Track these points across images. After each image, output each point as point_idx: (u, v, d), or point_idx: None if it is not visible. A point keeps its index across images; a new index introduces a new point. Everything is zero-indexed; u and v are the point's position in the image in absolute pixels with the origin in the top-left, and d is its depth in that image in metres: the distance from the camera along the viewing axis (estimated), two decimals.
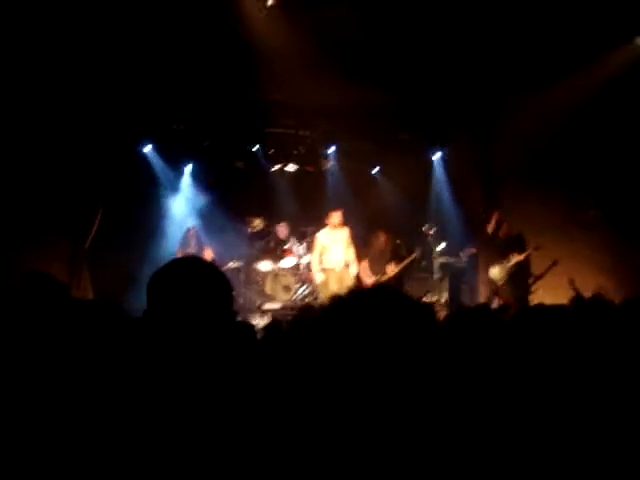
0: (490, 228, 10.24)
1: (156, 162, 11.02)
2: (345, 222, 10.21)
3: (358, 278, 10.11)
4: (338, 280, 9.95)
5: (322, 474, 1.35)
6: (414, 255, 10.23)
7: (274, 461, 1.43)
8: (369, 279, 10.05)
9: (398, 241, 10.77)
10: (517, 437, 1.77)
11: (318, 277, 10.18)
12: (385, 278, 10.03)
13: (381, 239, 10.14)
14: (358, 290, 1.57)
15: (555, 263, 9.89)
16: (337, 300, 1.50)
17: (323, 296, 9.99)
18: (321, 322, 1.54)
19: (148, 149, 10.98)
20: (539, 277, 10.17)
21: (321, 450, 1.34)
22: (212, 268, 1.81)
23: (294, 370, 2.14)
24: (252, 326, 5.43)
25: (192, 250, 10.01)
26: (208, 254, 10.09)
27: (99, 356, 2.17)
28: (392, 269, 10.09)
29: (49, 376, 2.05)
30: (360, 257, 10.24)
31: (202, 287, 1.74)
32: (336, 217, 10.09)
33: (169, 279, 1.75)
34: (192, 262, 1.87)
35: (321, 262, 10.14)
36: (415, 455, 1.34)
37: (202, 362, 1.68)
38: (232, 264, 10.90)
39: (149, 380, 1.66)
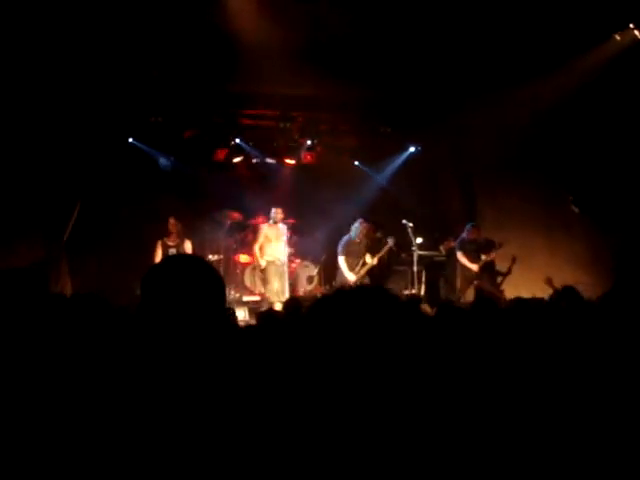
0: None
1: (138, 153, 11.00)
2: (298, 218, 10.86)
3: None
4: (277, 272, 10.31)
5: (313, 468, 1.37)
6: (388, 245, 10.31)
7: (267, 457, 1.45)
8: (350, 273, 10.10)
9: (378, 233, 10.83)
10: (507, 432, 1.80)
11: (263, 262, 10.51)
12: (364, 270, 10.09)
13: (361, 230, 10.19)
14: (342, 289, 1.58)
15: (514, 260, 10.16)
16: (322, 298, 1.52)
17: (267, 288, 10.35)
18: (309, 319, 1.55)
19: (129, 141, 10.92)
20: (506, 274, 10.38)
21: (314, 446, 1.36)
22: (205, 265, 1.83)
23: (287, 363, 2.16)
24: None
25: (172, 242, 9.97)
26: (187, 246, 10.07)
27: (87, 351, 2.17)
28: (370, 260, 10.17)
29: (36, 373, 2.05)
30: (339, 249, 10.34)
31: (196, 283, 1.75)
32: (278, 213, 10.51)
33: (164, 276, 1.76)
34: (186, 259, 1.90)
35: (263, 253, 10.45)
36: (407, 450, 1.36)
37: (195, 356, 1.69)
38: (211, 257, 10.90)
39: (142, 375, 1.67)
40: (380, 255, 10.26)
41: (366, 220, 10.38)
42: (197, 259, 1.91)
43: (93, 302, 2.54)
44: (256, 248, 10.51)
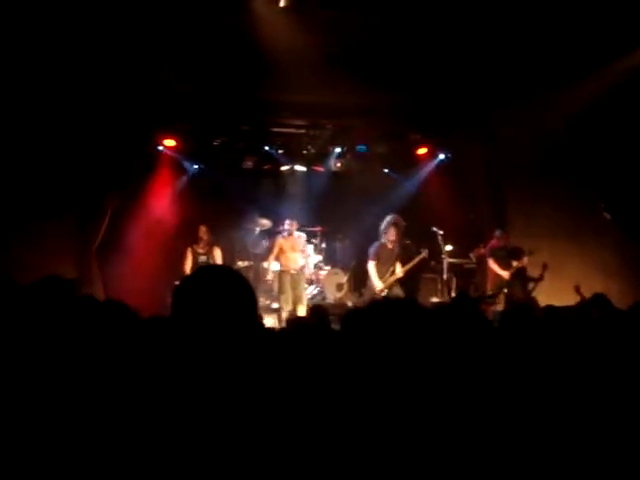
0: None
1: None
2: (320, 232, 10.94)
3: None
4: (291, 282, 10.35)
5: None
6: (422, 255, 10.17)
7: (302, 465, 1.44)
8: (378, 281, 10.00)
9: (408, 241, 10.74)
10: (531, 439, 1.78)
11: (270, 276, 10.81)
12: (393, 279, 9.99)
13: (391, 237, 10.07)
14: (374, 302, 1.57)
15: (545, 267, 9.97)
16: (356, 312, 1.51)
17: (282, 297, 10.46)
18: (344, 332, 1.54)
19: (161, 147, 11.05)
20: (538, 280, 10.23)
21: (344, 452, 1.35)
22: (237, 276, 1.83)
23: (315, 372, 2.14)
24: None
25: (202, 249, 10.03)
26: (217, 254, 10.12)
27: (109, 358, 2.19)
28: (401, 269, 10.04)
29: (58, 376, 2.06)
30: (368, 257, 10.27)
31: (228, 295, 1.76)
32: (292, 226, 10.56)
33: (195, 288, 1.77)
34: (217, 270, 1.92)
35: (279, 263, 10.60)
36: (445, 462, 1.34)
37: (226, 366, 1.69)
38: (241, 264, 10.97)
39: (172, 384, 1.67)
40: (409, 267, 10.11)
41: (397, 218, 10.20)
42: (228, 270, 1.93)
43: (123, 312, 2.56)
44: (271, 259, 10.65)
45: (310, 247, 11.50)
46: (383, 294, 9.75)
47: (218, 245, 10.29)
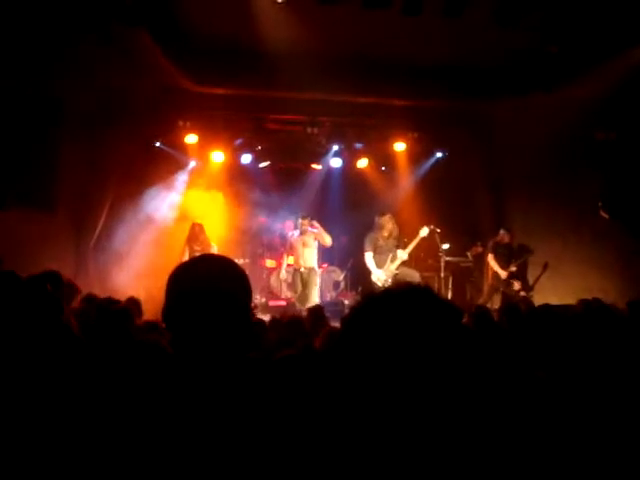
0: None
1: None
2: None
3: None
4: (302, 279, 10.47)
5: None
6: (423, 234, 9.88)
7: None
8: (378, 270, 9.89)
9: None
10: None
11: (283, 274, 10.98)
12: (395, 266, 9.82)
13: (385, 221, 9.98)
14: (371, 295, 1.48)
15: (546, 267, 10.08)
16: (367, 299, 1.41)
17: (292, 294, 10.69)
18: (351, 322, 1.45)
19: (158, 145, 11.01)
20: (536, 280, 10.27)
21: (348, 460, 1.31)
22: (233, 265, 1.81)
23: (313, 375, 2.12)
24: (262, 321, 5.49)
25: (198, 246, 10.03)
26: (214, 250, 10.15)
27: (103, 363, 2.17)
28: (404, 252, 9.95)
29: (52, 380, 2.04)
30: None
31: (222, 283, 1.74)
32: (304, 225, 10.58)
33: (191, 275, 1.75)
34: (214, 259, 1.90)
35: (291, 261, 10.82)
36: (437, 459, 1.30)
37: (218, 360, 1.66)
38: (236, 261, 10.96)
39: (162, 381, 1.65)
40: (413, 246, 10.02)
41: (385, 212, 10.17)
42: (223, 258, 1.90)
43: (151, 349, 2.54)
44: (284, 258, 10.91)
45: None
46: (387, 284, 9.66)
47: (214, 242, 10.31)
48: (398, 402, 1.24)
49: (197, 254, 9.86)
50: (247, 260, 11.40)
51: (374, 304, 1.36)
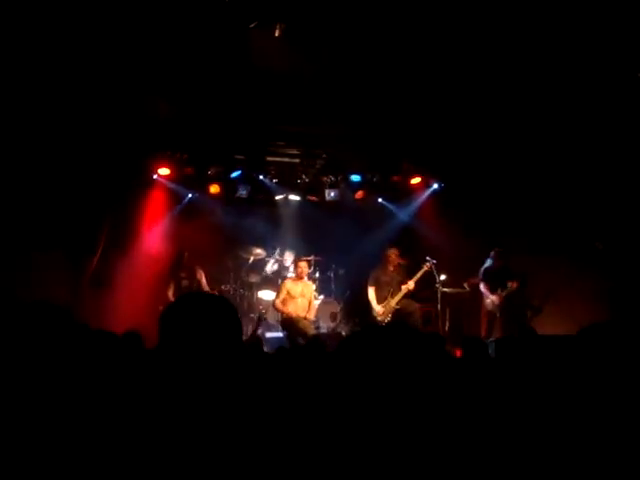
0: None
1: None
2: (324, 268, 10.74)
3: None
4: (295, 328, 9.74)
5: None
6: (427, 266, 10.03)
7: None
8: (377, 305, 9.92)
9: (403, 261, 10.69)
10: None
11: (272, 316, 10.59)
12: (394, 301, 9.85)
13: (392, 255, 10.03)
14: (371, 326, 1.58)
15: (549, 295, 9.92)
16: (353, 335, 1.52)
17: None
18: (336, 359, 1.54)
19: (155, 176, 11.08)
20: (537, 309, 10.17)
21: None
22: (223, 302, 1.84)
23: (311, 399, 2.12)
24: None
25: (184, 273, 10.10)
26: (200, 274, 10.28)
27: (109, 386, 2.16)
28: (409, 283, 9.94)
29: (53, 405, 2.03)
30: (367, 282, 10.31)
31: (213, 322, 1.76)
32: (304, 267, 10.22)
33: (181, 314, 1.78)
34: (202, 297, 1.94)
35: (284, 306, 10.03)
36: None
37: (214, 389, 1.68)
38: (223, 287, 11.04)
39: (163, 408, 1.65)
40: (417, 278, 10.03)
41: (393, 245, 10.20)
42: (210, 295, 1.98)
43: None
44: (277, 303, 10.11)
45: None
46: (387, 319, 9.68)
47: (200, 267, 10.33)
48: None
49: (183, 281, 9.93)
50: (233, 286, 11.43)
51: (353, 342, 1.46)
